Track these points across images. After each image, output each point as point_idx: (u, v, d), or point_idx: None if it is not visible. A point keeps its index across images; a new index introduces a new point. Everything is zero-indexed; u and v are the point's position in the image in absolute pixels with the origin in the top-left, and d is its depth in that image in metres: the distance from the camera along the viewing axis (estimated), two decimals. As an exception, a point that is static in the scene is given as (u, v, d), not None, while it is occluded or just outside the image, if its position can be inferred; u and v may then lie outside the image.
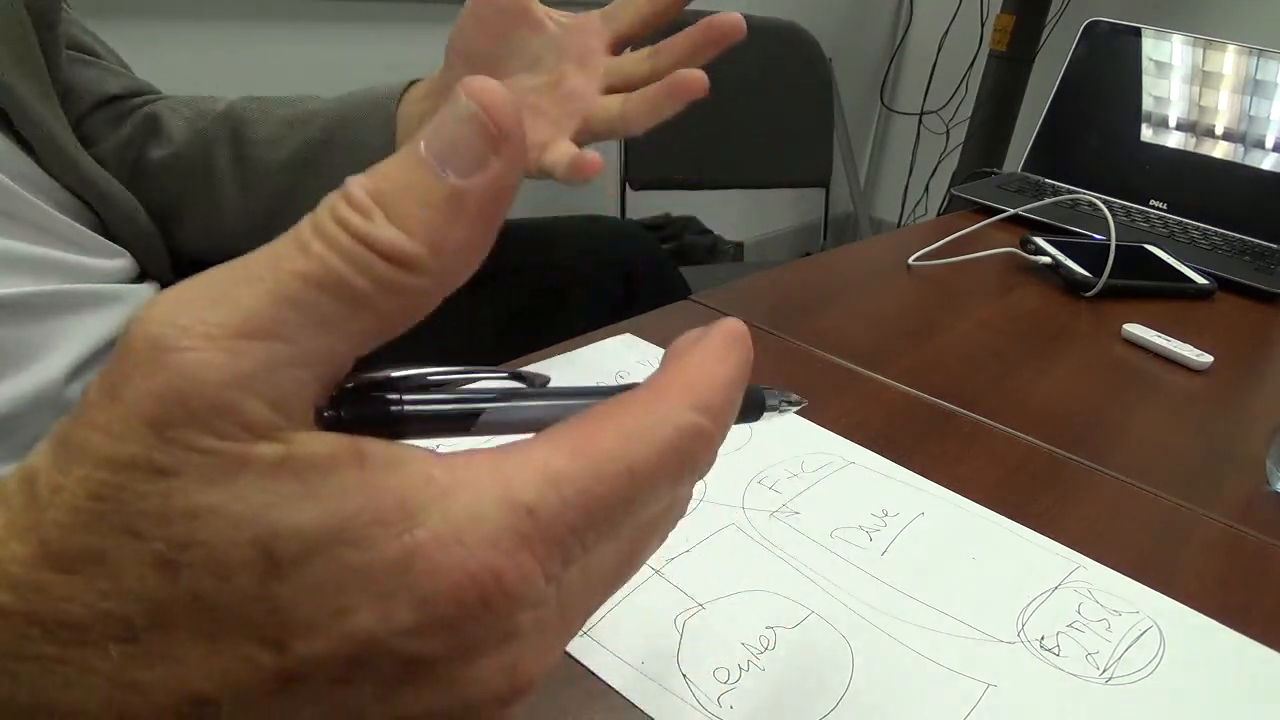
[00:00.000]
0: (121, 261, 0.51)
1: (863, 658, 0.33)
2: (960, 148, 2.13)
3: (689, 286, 0.71)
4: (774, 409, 0.23)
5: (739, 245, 2.01)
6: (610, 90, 0.50)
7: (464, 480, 0.16)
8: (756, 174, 1.64)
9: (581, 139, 0.49)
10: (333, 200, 0.16)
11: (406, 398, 0.18)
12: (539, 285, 0.54)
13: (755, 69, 1.60)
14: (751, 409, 0.23)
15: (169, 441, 0.14)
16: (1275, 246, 0.95)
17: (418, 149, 0.16)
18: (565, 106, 0.50)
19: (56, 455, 0.15)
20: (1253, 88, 0.99)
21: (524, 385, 0.19)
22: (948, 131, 2.54)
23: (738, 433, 0.46)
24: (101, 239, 0.50)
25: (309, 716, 0.16)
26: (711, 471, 0.44)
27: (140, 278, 0.54)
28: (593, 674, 0.31)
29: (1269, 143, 0.98)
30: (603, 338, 0.55)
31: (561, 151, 0.47)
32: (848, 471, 0.45)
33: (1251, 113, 0.99)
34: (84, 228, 0.49)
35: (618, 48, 0.51)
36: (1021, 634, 0.35)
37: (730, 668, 0.32)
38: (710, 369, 0.19)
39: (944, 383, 0.56)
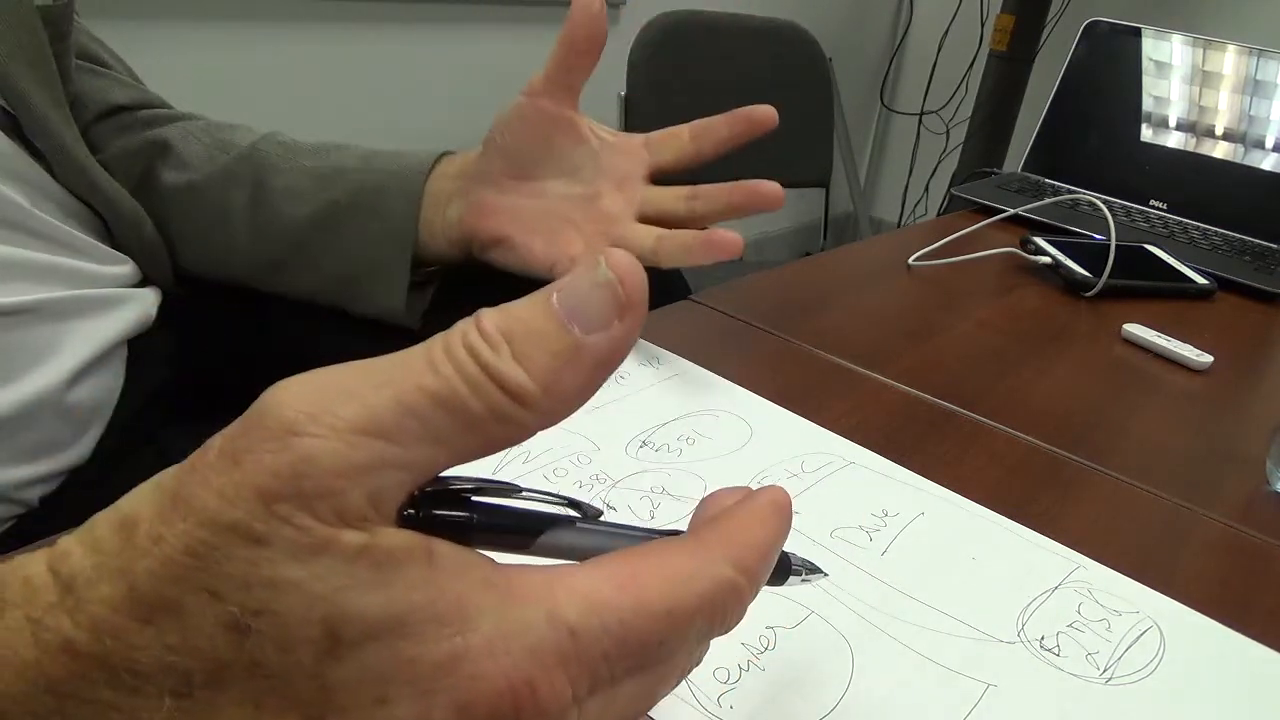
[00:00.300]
0: (125, 268, 0.51)
1: (863, 658, 0.33)
2: (960, 148, 2.14)
3: (689, 286, 0.71)
4: (798, 575, 0.25)
5: (739, 245, 2.01)
6: (643, 219, 0.51)
7: (518, 592, 0.17)
8: (756, 174, 1.64)
9: None
10: (465, 326, 0.17)
11: (477, 506, 0.19)
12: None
13: (755, 69, 1.60)
14: (779, 573, 0.24)
15: (271, 514, 0.15)
16: (1275, 246, 0.95)
17: (551, 300, 0.17)
18: (599, 225, 0.51)
19: (163, 506, 0.16)
20: (1253, 88, 0.99)
21: (580, 514, 0.21)
22: (948, 131, 2.54)
23: (737, 434, 0.46)
24: (105, 246, 0.50)
25: None
26: (712, 472, 0.44)
27: (142, 283, 0.53)
28: None
29: (1269, 143, 0.98)
30: (603, 338, 0.55)
31: None
32: (848, 471, 0.45)
33: (1251, 113, 0.99)
34: (89, 236, 0.49)
35: (656, 176, 0.53)
36: (1021, 634, 0.35)
37: (730, 668, 0.32)
38: (753, 532, 0.20)
39: (944, 383, 0.56)
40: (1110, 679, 0.34)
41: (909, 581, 0.37)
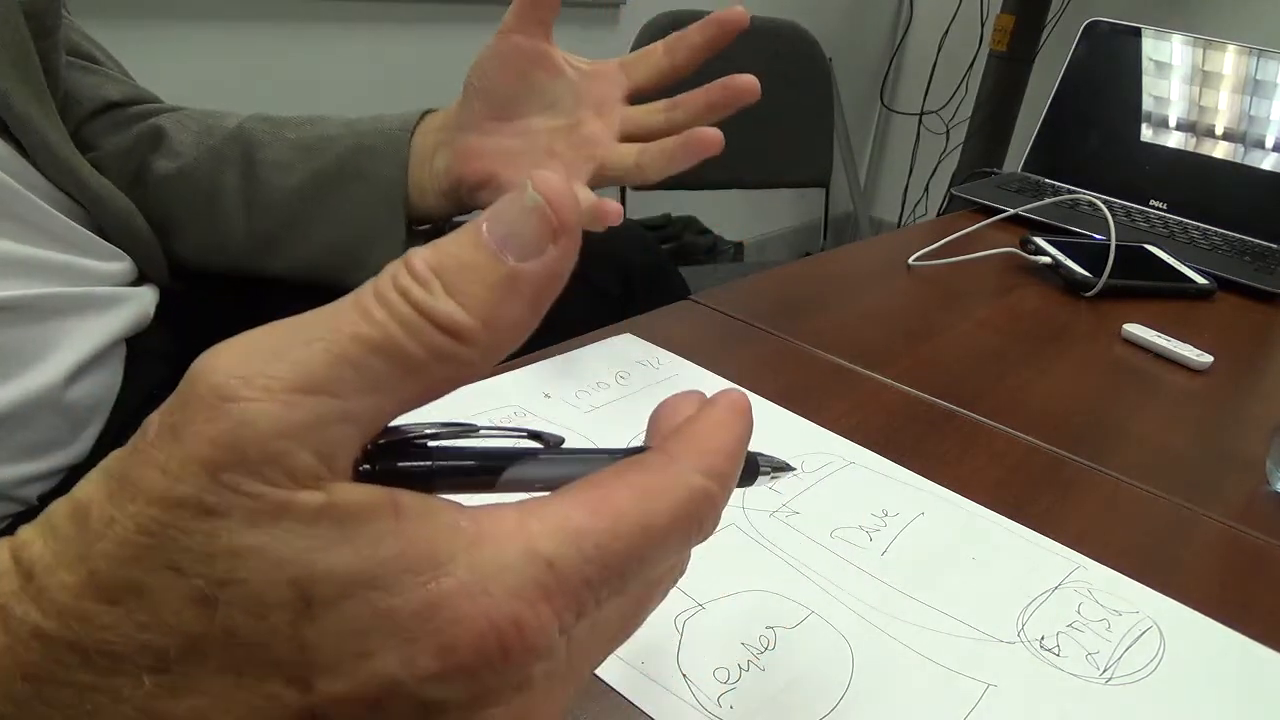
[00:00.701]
0: (121, 265, 0.51)
1: (863, 658, 0.33)
2: (960, 148, 2.14)
3: (689, 286, 0.71)
4: (765, 474, 0.25)
5: (739, 245, 2.01)
6: (626, 138, 0.52)
7: (489, 532, 0.17)
8: (756, 174, 1.64)
9: (596, 183, 0.50)
10: (394, 269, 0.17)
11: (436, 451, 0.19)
12: None
13: (755, 69, 1.59)
14: (746, 475, 0.24)
15: (220, 484, 0.15)
16: (1275, 246, 0.95)
17: (480, 230, 0.17)
18: (581, 151, 0.51)
19: (111, 489, 0.16)
20: (1253, 88, 0.99)
21: (542, 445, 0.21)
22: (948, 131, 2.54)
23: (738, 433, 0.46)
24: (101, 241, 0.50)
25: None
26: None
27: (139, 280, 0.53)
28: (593, 674, 0.31)
29: (1269, 143, 0.98)
30: (603, 338, 0.55)
31: (581, 198, 0.48)
32: (848, 471, 0.45)
33: (1251, 113, 0.99)
34: (84, 229, 0.49)
35: (634, 98, 0.53)
36: (1021, 634, 0.35)
37: (730, 668, 0.32)
38: (718, 437, 0.20)
39: (944, 383, 0.56)
40: (1110, 679, 0.34)
41: (909, 581, 0.37)
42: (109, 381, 0.49)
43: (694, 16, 0.51)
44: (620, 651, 0.32)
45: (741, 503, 0.41)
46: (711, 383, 0.51)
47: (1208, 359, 0.64)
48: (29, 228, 0.45)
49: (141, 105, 0.58)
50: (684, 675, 0.31)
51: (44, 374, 0.43)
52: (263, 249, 0.56)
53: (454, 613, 0.16)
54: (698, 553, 0.37)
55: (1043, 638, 0.35)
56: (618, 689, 0.31)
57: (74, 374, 0.45)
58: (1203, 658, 0.35)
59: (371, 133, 0.54)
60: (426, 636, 0.16)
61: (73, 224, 0.48)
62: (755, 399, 0.50)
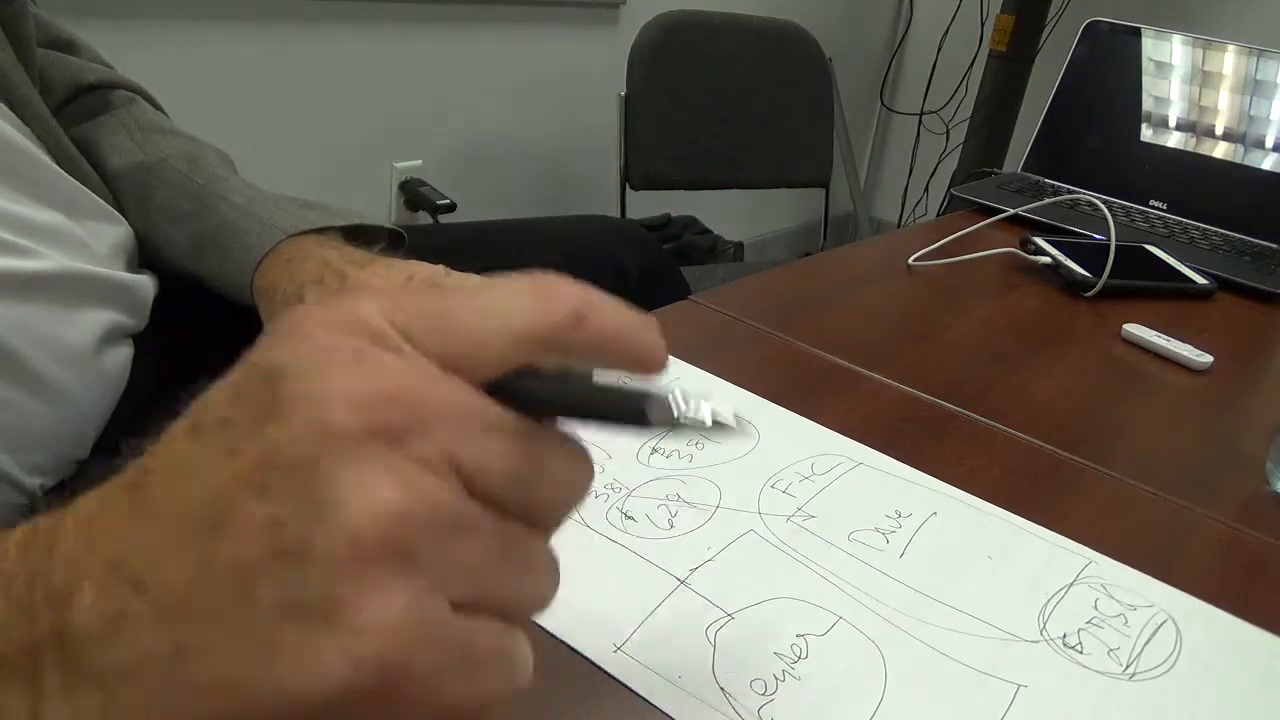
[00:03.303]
0: (116, 227, 0.51)
1: (894, 663, 0.33)
2: (960, 148, 2.13)
3: (689, 286, 0.71)
4: (671, 408, 0.20)
5: (739, 245, 2.01)
6: None
7: None
8: (756, 174, 1.64)
9: None
10: None
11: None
12: None
13: (755, 69, 1.60)
14: (635, 410, 0.21)
15: None
16: (1275, 246, 0.95)
17: None
18: None
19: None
20: (1253, 88, 0.99)
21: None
22: (948, 131, 2.54)
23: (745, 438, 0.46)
24: (102, 203, 0.50)
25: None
26: (725, 477, 0.44)
27: (139, 270, 0.54)
28: (627, 688, 0.31)
29: (1269, 143, 0.98)
30: (603, 338, 0.55)
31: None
32: (858, 473, 0.44)
33: (1251, 113, 0.99)
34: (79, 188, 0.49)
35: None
36: (1044, 632, 0.35)
37: (766, 679, 0.32)
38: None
39: (944, 383, 0.56)
40: (1134, 675, 0.34)
41: (929, 583, 0.37)
42: (116, 374, 0.49)
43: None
44: (655, 665, 0.32)
45: (757, 508, 0.41)
46: (717, 387, 0.51)
47: (1207, 359, 0.64)
48: (26, 185, 0.45)
49: (110, 91, 0.58)
50: (722, 689, 0.31)
51: (57, 358, 0.43)
52: (184, 259, 0.55)
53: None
54: (722, 560, 0.37)
55: (1065, 635, 0.35)
56: (660, 706, 0.30)
57: (83, 361, 0.45)
58: (1219, 649, 0.36)
59: (250, 217, 0.52)
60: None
61: (65, 185, 0.48)
62: (760, 401, 0.50)
